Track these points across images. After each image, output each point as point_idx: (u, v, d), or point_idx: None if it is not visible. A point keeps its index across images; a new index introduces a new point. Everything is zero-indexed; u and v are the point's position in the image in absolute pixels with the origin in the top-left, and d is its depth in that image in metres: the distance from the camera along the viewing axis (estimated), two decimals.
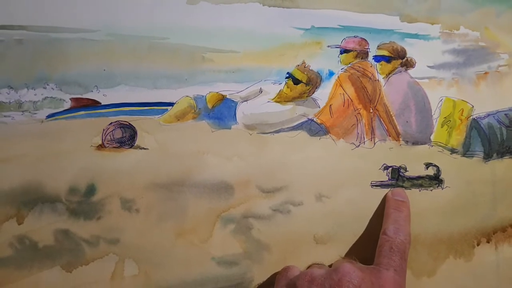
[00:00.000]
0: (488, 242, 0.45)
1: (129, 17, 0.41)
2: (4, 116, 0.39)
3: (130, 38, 0.41)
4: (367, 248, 0.42)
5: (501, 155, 0.46)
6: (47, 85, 0.40)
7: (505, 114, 0.46)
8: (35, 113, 0.40)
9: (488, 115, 0.46)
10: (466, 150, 0.46)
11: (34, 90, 0.40)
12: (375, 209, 0.44)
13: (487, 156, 0.46)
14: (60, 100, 0.40)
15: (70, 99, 0.40)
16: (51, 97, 0.40)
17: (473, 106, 0.46)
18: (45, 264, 0.39)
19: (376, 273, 0.36)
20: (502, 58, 0.47)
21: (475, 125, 0.46)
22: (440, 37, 0.46)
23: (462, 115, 0.46)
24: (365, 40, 0.45)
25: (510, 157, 0.46)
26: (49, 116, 0.40)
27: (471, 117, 0.46)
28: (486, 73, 0.47)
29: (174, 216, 0.41)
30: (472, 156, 0.46)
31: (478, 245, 0.45)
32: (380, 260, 0.37)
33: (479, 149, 0.46)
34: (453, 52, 0.46)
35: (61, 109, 0.40)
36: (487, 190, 0.45)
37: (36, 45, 0.40)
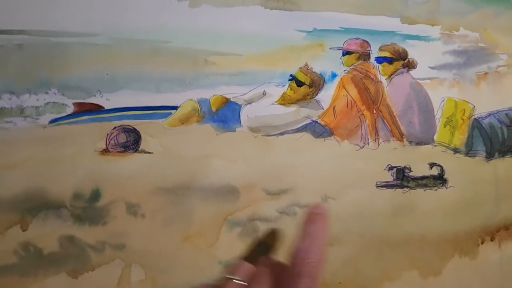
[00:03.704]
0: (492, 240, 0.45)
1: (130, 21, 0.41)
2: (6, 122, 0.39)
3: (132, 42, 0.41)
4: (373, 248, 0.43)
5: (502, 154, 0.47)
6: (49, 90, 0.39)
7: (506, 114, 0.47)
8: (38, 119, 0.39)
9: (489, 114, 0.47)
10: (469, 150, 0.46)
11: (36, 95, 0.39)
12: (380, 209, 0.44)
13: (489, 155, 0.46)
14: (62, 105, 0.40)
15: (73, 104, 0.40)
16: (54, 102, 0.40)
17: (474, 106, 0.46)
18: (50, 271, 0.38)
19: None
20: (501, 58, 0.48)
21: (476, 125, 0.46)
22: (441, 39, 0.47)
23: (464, 115, 0.46)
24: (367, 42, 0.45)
25: (511, 156, 0.47)
26: (52, 121, 0.39)
27: (473, 117, 0.46)
28: (486, 73, 0.47)
29: (180, 220, 0.40)
30: (475, 156, 0.46)
31: (482, 243, 0.45)
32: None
33: (481, 148, 0.46)
34: (453, 53, 0.47)
35: (64, 114, 0.40)
36: (489, 189, 0.46)
37: (37, 49, 0.39)
